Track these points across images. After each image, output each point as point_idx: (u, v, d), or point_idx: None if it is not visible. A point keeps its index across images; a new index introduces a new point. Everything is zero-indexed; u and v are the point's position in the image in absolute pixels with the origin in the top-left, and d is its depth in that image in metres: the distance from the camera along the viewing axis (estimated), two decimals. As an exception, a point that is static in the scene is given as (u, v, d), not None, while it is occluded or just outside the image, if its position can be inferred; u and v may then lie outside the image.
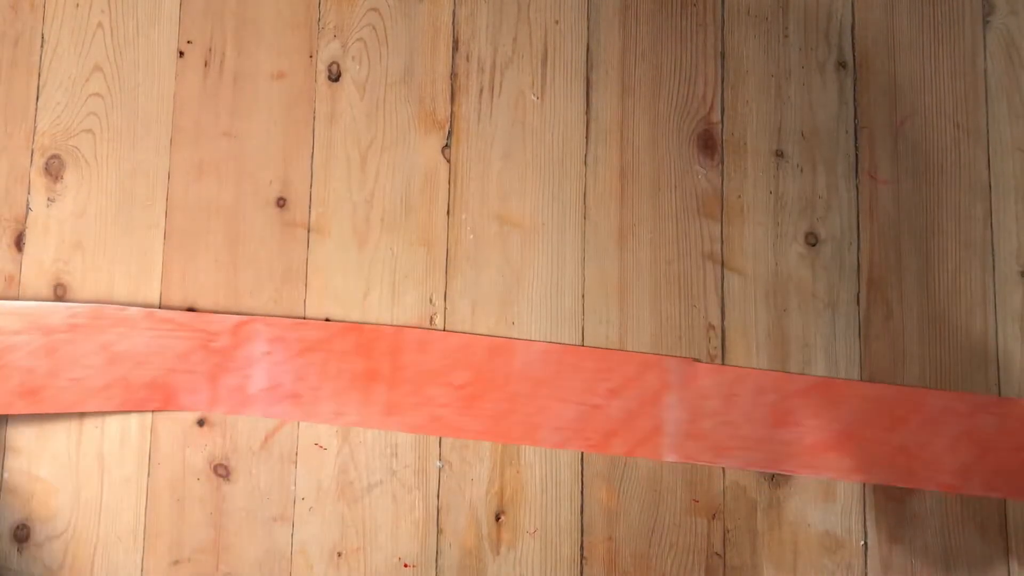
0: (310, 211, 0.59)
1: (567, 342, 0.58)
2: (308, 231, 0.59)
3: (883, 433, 0.57)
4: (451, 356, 0.57)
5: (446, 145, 0.60)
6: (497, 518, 0.57)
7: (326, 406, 0.56)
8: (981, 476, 0.56)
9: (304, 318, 0.57)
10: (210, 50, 0.60)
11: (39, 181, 0.59)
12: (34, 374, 0.55)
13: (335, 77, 0.60)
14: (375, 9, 0.61)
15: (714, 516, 0.57)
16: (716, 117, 0.60)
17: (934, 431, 0.57)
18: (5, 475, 0.56)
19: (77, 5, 0.60)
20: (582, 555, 0.56)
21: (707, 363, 0.57)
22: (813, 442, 0.56)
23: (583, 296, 0.58)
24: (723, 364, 0.58)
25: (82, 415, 0.57)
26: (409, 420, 0.56)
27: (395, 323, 0.58)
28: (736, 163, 0.60)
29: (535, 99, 0.60)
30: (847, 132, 0.60)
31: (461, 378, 0.57)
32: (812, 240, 0.59)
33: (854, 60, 0.61)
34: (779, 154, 0.60)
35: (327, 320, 0.58)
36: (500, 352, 0.57)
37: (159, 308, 0.58)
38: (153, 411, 0.56)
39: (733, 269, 0.59)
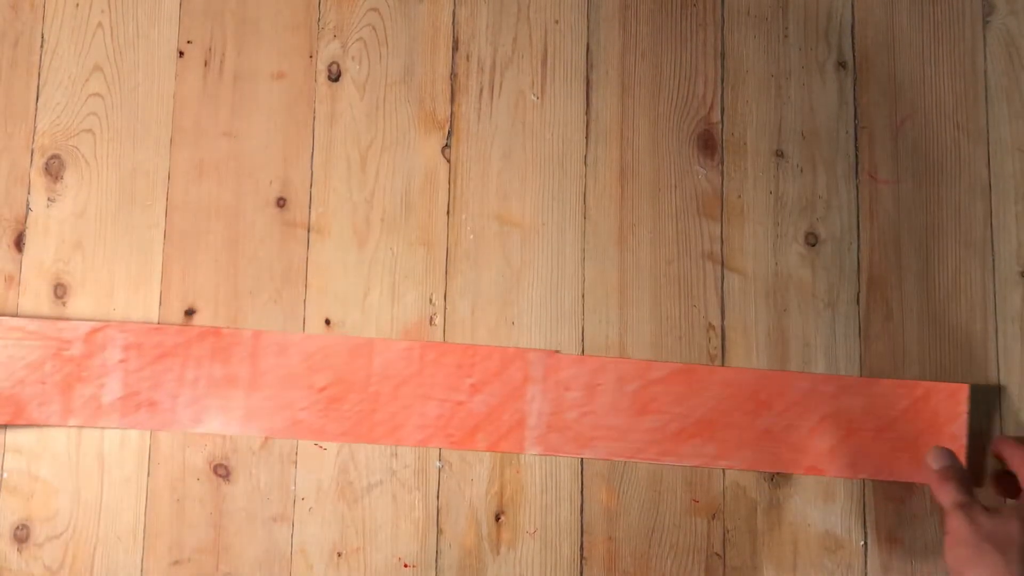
0: (310, 211, 0.59)
1: (567, 341, 0.58)
2: (308, 231, 0.59)
3: (747, 418, 0.57)
4: (311, 359, 0.57)
5: (446, 145, 0.60)
6: (497, 518, 0.57)
7: (184, 413, 0.56)
8: (846, 458, 0.56)
9: (159, 323, 0.57)
10: (210, 50, 0.60)
11: (39, 181, 0.59)
12: None
13: (335, 77, 0.60)
14: (375, 9, 0.61)
15: (714, 516, 0.57)
16: (716, 117, 0.60)
17: (799, 414, 0.57)
18: (5, 475, 0.57)
19: (77, 5, 0.60)
20: (582, 555, 0.56)
21: (568, 354, 0.57)
22: (677, 429, 0.56)
23: (583, 296, 0.58)
24: (583, 355, 0.57)
25: (82, 415, 0.57)
26: (268, 425, 0.56)
27: (395, 323, 0.58)
28: (736, 163, 0.60)
29: (535, 99, 0.60)
30: (847, 132, 0.60)
31: (322, 380, 0.56)
32: (812, 240, 0.59)
33: (854, 60, 0.61)
34: (779, 154, 0.60)
35: (203, 326, 0.58)
36: (360, 352, 0.57)
37: (15, 316, 0.57)
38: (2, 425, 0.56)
39: (733, 269, 0.59)
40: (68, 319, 0.57)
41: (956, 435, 0.56)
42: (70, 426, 0.56)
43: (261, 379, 0.56)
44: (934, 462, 0.54)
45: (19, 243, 0.59)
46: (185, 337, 0.57)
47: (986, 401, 0.58)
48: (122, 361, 0.56)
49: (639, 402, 0.57)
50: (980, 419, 0.57)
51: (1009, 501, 0.55)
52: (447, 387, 0.57)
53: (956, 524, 0.50)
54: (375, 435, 0.56)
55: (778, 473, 0.57)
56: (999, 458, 0.55)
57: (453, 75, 0.60)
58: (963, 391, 0.56)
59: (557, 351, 0.57)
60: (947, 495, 0.51)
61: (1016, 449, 0.53)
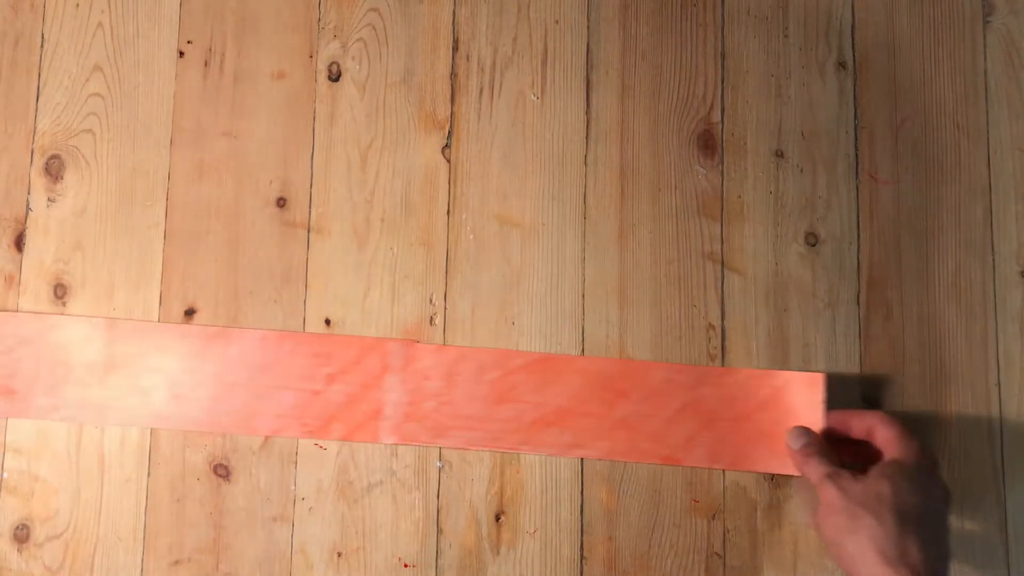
0: (310, 211, 0.59)
1: (567, 342, 0.58)
2: (308, 231, 0.59)
3: (604, 407, 0.57)
4: (168, 346, 0.57)
5: (446, 145, 0.60)
6: (497, 518, 0.57)
7: (41, 401, 0.56)
8: (704, 448, 0.56)
9: (17, 310, 0.57)
10: (210, 50, 0.60)
11: (39, 181, 0.59)
12: None
13: (335, 77, 0.60)
14: (375, 9, 0.61)
15: (714, 516, 0.57)
16: (716, 117, 0.60)
17: (657, 403, 0.57)
18: (5, 475, 0.57)
19: (77, 5, 0.60)
20: (582, 555, 0.56)
21: (428, 344, 0.57)
22: (533, 418, 0.56)
23: (583, 296, 0.58)
24: (443, 344, 0.57)
25: (82, 415, 0.57)
26: (123, 415, 0.56)
27: (395, 323, 0.58)
28: (736, 163, 0.60)
29: (535, 99, 0.60)
30: (847, 132, 0.60)
31: (177, 368, 0.56)
32: (812, 240, 0.59)
33: (854, 60, 0.61)
34: (779, 154, 0.60)
35: (99, 318, 0.58)
36: (217, 340, 0.57)
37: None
38: None
39: (733, 269, 0.59)
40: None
41: (813, 424, 0.56)
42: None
43: (118, 367, 0.56)
44: (794, 442, 0.54)
45: (19, 243, 0.59)
46: (44, 324, 0.57)
47: (846, 391, 0.57)
48: None
49: (497, 391, 0.57)
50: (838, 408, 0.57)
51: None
52: (303, 377, 0.56)
53: (828, 495, 0.50)
54: (226, 424, 0.56)
55: (777, 473, 0.57)
56: (839, 434, 0.55)
57: (453, 75, 0.60)
58: (819, 380, 0.56)
59: (416, 341, 0.57)
60: (814, 469, 0.52)
61: (860, 417, 0.54)
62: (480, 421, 0.56)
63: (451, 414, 0.56)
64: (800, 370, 0.58)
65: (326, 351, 0.57)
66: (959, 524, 0.57)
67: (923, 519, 0.49)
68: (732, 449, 0.56)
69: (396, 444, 0.56)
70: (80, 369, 0.56)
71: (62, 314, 0.57)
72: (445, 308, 0.58)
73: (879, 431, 0.53)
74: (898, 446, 0.52)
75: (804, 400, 0.56)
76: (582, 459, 0.57)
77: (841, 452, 0.54)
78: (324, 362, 0.57)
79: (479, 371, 0.57)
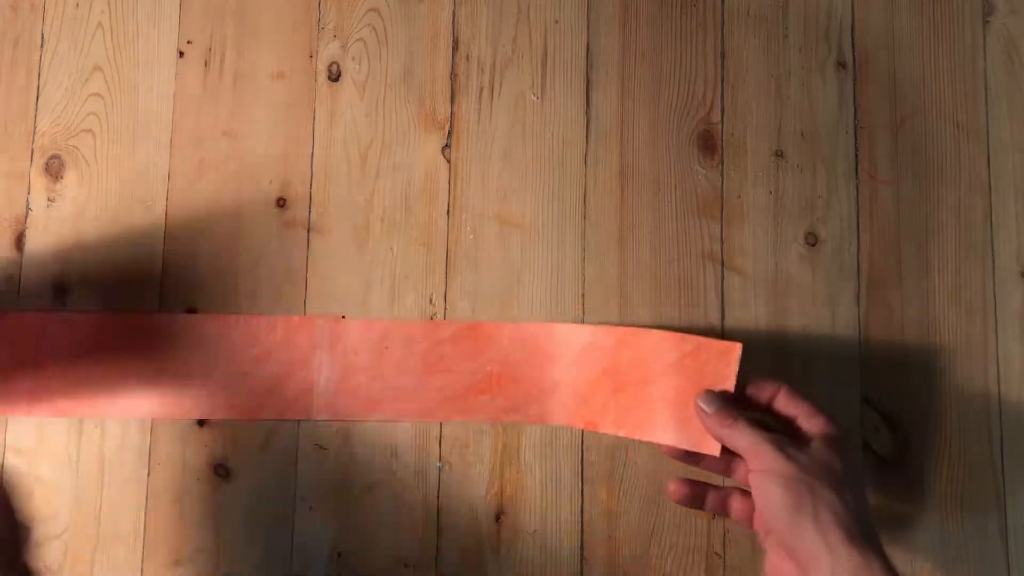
0: (310, 211, 0.59)
1: (567, 342, 0.58)
2: (308, 231, 0.59)
3: (534, 372, 0.56)
4: (91, 338, 0.56)
5: (446, 145, 0.60)
6: (497, 518, 0.57)
7: None
8: (613, 414, 0.54)
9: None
10: (210, 50, 0.60)
11: (39, 181, 0.59)
12: None
13: (335, 77, 0.60)
14: (375, 9, 0.61)
15: (714, 516, 0.57)
16: (716, 117, 0.60)
17: (583, 367, 0.56)
18: (5, 475, 0.56)
19: (77, 5, 0.60)
20: (582, 555, 0.56)
21: (355, 319, 0.57)
22: (465, 387, 0.57)
23: (583, 296, 0.58)
24: (369, 319, 0.57)
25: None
26: (58, 406, 0.56)
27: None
28: (736, 163, 0.60)
29: (535, 99, 0.60)
30: (847, 132, 0.60)
31: (102, 358, 0.56)
32: (812, 240, 0.59)
33: (854, 60, 0.61)
34: (779, 154, 0.60)
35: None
36: (140, 329, 0.56)
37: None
38: None
39: (733, 269, 0.59)
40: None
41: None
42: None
43: (48, 361, 0.56)
44: (708, 405, 0.50)
45: (19, 243, 0.59)
46: None
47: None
48: None
49: (427, 362, 0.57)
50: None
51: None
52: (231, 360, 0.56)
53: (772, 461, 0.46)
54: (151, 410, 0.56)
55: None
56: (758, 406, 0.52)
57: (453, 75, 0.60)
58: (735, 350, 0.52)
59: (343, 316, 0.57)
60: (744, 434, 0.48)
61: (759, 387, 0.51)
62: (412, 392, 0.57)
63: (382, 387, 0.57)
64: (800, 370, 0.58)
65: (253, 333, 0.57)
66: (959, 524, 0.57)
67: (865, 494, 0.47)
68: (635, 416, 0.54)
69: (328, 420, 0.56)
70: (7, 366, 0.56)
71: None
72: (445, 308, 0.58)
73: (786, 404, 0.50)
74: (823, 419, 0.49)
75: (714, 371, 0.52)
76: (582, 459, 0.57)
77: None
78: (251, 343, 0.57)
79: (407, 343, 0.57)
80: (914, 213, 0.60)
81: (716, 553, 0.57)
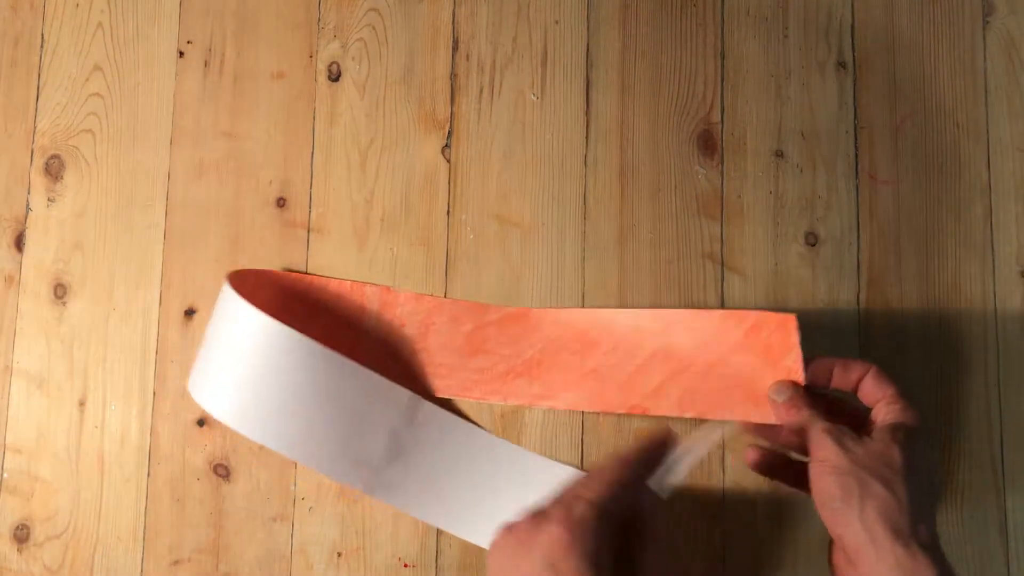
0: (310, 211, 0.59)
1: (567, 342, 0.58)
2: (308, 231, 0.59)
3: (574, 358, 0.56)
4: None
5: (446, 145, 0.60)
6: (497, 518, 0.56)
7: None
8: (675, 396, 0.54)
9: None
10: (210, 50, 0.60)
11: (39, 181, 0.59)
12: None
13: (335, 77, 0.60)
14: (375, 9, 0.61)
15: (714, 516, 0.57)
16: (716, 117, 0.60)
17: (627, 352, 0.55)
18: (5, 475, 0.57)
19: (77, 5, 0.60)
20: (582, 555, 0.56)
21: (406, 291, 0.57)
22: (504, 370, 0.56)
23: (583, 296, 0.58)
24: (420, 293, 0.57)
25: (82, 413, 0.57)
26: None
27: (395, 323, 0.58)
28: (736, 163, 0.60)
29: (535, 99, 0.60)
30: (847, 132, 0.60)
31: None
32: (812, 240, 0.59)
33: (854, 60, 0.61)
34: (779, 154, 0.60)
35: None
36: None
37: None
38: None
39: (733, 269, 0.59)
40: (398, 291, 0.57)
41: (792, 369, 0.52)
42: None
43: None
44: (778, 395, 0.51)
45: (19, 243, 0.59)
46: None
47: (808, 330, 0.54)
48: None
49: (472, 343, 0.57)
50: (810, 350, 0.53)
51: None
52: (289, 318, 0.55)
53: (828, 453, 0.46)
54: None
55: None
56: (819, 386, 0.51)
57: (453, 75, 0.60)
58: (791, 321, 0.52)
59: (390, 287, 0.58)
60: (809, 423, 0.48)
61: (847, 367, 0.50)
62: (451, 370, 0.57)
63: (425, 361, 0.57)
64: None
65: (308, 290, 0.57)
66: (959, 524, 0.57)
67: (930, 492, 0.46)
68: (705, 397, 0.53)
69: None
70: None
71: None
72: (445, 308, 0.58)
73: (872, 387, 0.49)
74: (899, 406, 0.48)
75: (779, 343, 0.52)
76: (582, 459, 0.57)
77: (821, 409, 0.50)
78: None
79: (453, 323, 0.57)
80: (914, 213, 0.60)
81: (716, 553, 0.57)
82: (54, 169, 0.59)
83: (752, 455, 0.53)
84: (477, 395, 0.56)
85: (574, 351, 0.56)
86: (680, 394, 0.54)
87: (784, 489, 0.55)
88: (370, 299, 0.57)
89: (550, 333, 0.57)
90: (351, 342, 0.56)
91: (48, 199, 0.59)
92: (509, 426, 0.57)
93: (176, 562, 0.56)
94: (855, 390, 0.51)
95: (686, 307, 0.58)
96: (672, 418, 0.55)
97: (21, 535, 0.56)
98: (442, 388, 0.57)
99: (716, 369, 0.54)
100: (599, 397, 0.56)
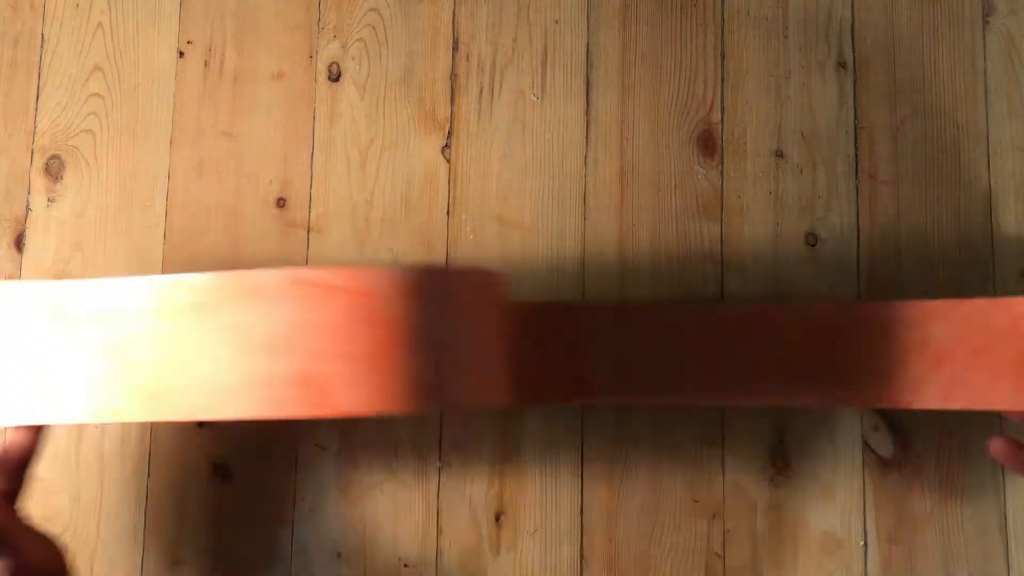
0: (310, 211, 0.59)
1: (567, 342, 0.58)
2: (308, 231, 0.59)
3: (826, 351, 0.54)
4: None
5: (446, 145, 0.60)
6: (497, 518, 0.57)
7: None
8: (936, 388, 0.52)
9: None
10: (210, 50, 0.60)
11: (39, 181, 0.59)
12: None
13: (335, 77, 0.60)
14: (375, 9, 0.61)
15: (714, 516, 0.57)
16: (716, 117, 0.60)
17: (882, 345, 0.53)
18: (5, 475, 0.56)
19: (77, 5, 0.60)
20: (582, 556, 0.56)
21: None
22: (755, 370, 0.55)
23: (583, 296, 0.58)
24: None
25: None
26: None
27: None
28: (736, 163, 0.60)
29: (535, 99, 0.60)
30: (847, 132, 0.60)
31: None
32: (812, 240, 0.59)
33: (854, 60, 0.61)
34: (779, 154, 0.60)
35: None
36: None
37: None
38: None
39: (733, 269, 0.59)
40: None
41: None
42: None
43: None
44: None
45: (19, 243, 0.59)
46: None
47: None
48: None
49: (719, 344, 0.55)
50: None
51: None
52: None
53: None
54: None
55: (778, 473, 0.57)
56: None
57: (453, 75, 0.60)
58: None
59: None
60: None
61: None
62: (701, 373, 0.55)
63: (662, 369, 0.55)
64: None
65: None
66: (959, 524, 0.57)
67: None
68: (970, 387, 0.51)
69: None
70: None
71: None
72: (445, 308, 0.58)
73: None
74: None
75: None
76: (581, 459, 0.57)
77: None
78: None
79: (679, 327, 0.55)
80: (914, 213, 0.60)
81: (716, 553, 0.57)
82: (54, 169, 0.59)
83: (999, 446, 0.50)
84: (732, 401, 0.55)
85: (826, 345, 0.54)
86: (942, 386, 0.52)
87: (787, 488, 0.55)
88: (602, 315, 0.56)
89: (798, 327, 0.55)
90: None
91: (48, 199, 0.59)
92: (510, 426, 0.57)
93: (176, 562, 0.56)
94: None
95: (686, 307, 0.58)
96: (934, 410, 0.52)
97: (21, 535, 0.56)
98: (690, 396, 0.55)
99: (980, 359, 0.51)
100: (856, 392, 0.53)
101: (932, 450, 0.58)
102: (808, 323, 0.55)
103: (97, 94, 0.60)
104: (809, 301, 0.56)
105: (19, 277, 0.58)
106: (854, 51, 0.61)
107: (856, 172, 0.60)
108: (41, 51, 0.60)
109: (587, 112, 0.60)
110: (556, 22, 0.61)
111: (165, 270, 0.58)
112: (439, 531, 0.56)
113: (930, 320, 0.52)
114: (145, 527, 0.56)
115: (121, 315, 0.44)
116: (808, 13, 0.62)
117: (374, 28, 0.61)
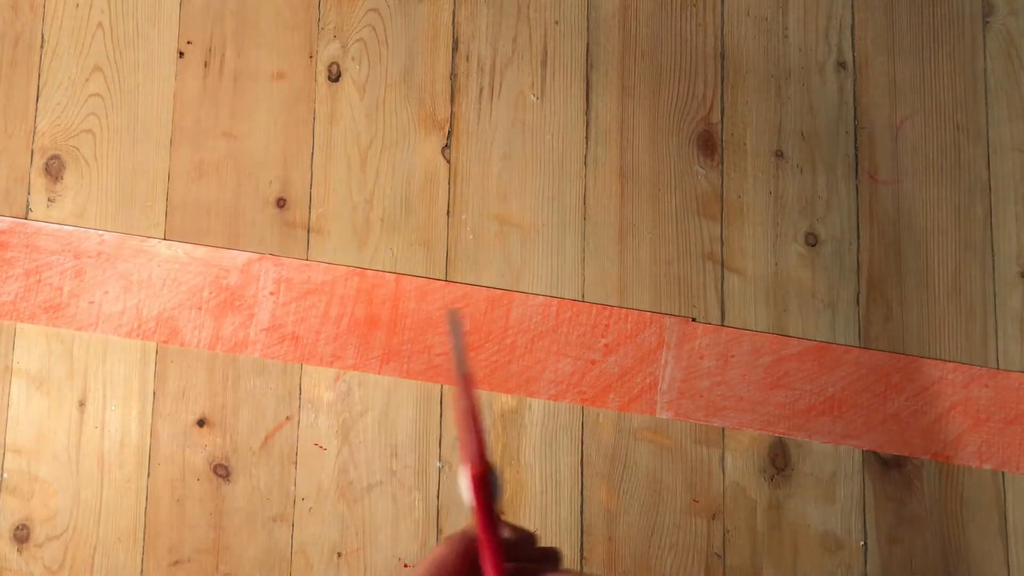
0: (310, 211, 0.59)
1: (567, 342, 0.58)
2: (308, 231, 0.59)
3: (876, 400, 0.57)
4: (451, 306, 0.57)
5: (446, 145, 0.60)
6: (497, 518, 0.56)
7: (325, 349, 0.57)
8: (973, 447, 0.57)
9: (307, 260, 0.57)
10: (210, 50, 0.60)
11: (39, 181, 0.59)
12: (60, 292, 0.57)
13: (335, 77, 0.60)
14: (375, 9, 0.61)
15: (714, 516, 0.57)
16: (716, 117, 0.60)
17: (928, 400, 0.57)
18: (5, 475, 0.57)
19: (77, 5, 0.60)
20: (582, 555, 0.56)
21: (704, 322, 0.57)
22: (806, 406, 0.57)
23: (583, 296, 0.58)
24: (719, 325, 0.57)
25: (82, 413, 0.57)
26: (406, 367, 0.57)
27: (395, 323, 0.58)
28: (736, 163, 0.60)
29: (535, 99, 0.60)
30: (847, 132, 0.60)
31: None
32: (812, 240, 0.59)
33: (854, 60, 0.61)
34: (779, 154, 0.60)
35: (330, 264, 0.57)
36: (499, 304, 0.57)
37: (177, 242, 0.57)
38: (158, 343, 0.57)
39: (733, 269, 0.59)
40: (227, 248, 0.57)
41: None
42: (217, 351, 0.57)
43: (401, 322, 0.57)
44: None
45: (19, 243, 0.58)
46: (331, 276, 0.57)
47: None
48: (272, 293, 0.57)
49: (771, 376, 0.57)
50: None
51: None
52: (582, 345, 0.57)
53: None
54: (509, 386, 0.57)
55: (778, 473, 0.57)
56: None
57: (453, 75, 0.60)
58: None
59: (693, 319, 0.58)
60: None
61: None
62: (753, 404, 0.57)
63: (724, 394, 0.57)
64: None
65: (604, 322, 0.57)
66: (959, 524, 0.57)
67: None
68: (1001, 450, 0.57)
69: (671, 419, 0.57)
70: (364, 323, 0.57)
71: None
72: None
73: None
74: None
75: None
76: (581, 459, 0.57)
77: None
78: (602, 333, 0.57)
79: (753, 354, 0.57)
80: (914, 213, 0.60)
81: (716, 553, 0.57)
82: (54, 169, 0.59)
83: None
84: (780, 430, 0.57)
85: (876, 393, 0.57)
86: (978, 446, 0.57)
87: (787, 488, 0.55)
88: (669, 329, 0.57)
89: (851, 372, 0.57)
90: (650, 374, 0.57)
91: (48, 199, 0.59)
92: (510, 425, 0.57)
93: (176, 562, 0.56)
94: None
95: (685, 307, 0.58)
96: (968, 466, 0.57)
97: (21, 535, 0.56)
98: (745, 422, 0.57)
99: (1012, 426, 0.57)
100: (901, 440, 0.57)
101: (932, 450, 0.58)
102: (864, 368, 0.57)
103: (97, 94, 0.60)
104: (873, 350, 0.58)
105: (19, 277, 0.58)
106: (854, 51, 0.61)
107: (856, 172, 0.60)
108: (41, 51, 0.60)
109: (587, 112, 0.60)
110: (556, 22, 0.61)
111: (165, 270, 0.58)
112: (439, 531, 0.56)
113: (974, 384, 0.57)
114: (145, 527, 0.56)
115: None
116: (808, 13, 0.62)
117: (374, 28, 0.61)
